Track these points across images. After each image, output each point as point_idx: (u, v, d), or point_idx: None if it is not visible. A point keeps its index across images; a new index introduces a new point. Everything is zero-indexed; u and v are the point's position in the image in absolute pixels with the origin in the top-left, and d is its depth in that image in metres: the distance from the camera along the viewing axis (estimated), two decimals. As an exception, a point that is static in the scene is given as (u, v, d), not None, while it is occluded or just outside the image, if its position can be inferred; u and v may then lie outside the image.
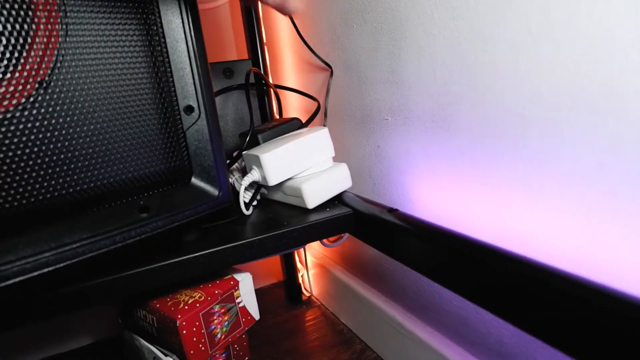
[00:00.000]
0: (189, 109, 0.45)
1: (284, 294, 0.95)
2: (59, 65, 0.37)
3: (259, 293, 0.96)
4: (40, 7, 0.36)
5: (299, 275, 0.92)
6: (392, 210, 0.45)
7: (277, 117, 0.85)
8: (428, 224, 0.42)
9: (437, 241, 0.39)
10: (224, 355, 0.57)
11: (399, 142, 0.55)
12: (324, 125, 0.68)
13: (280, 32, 0.83)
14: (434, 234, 0.40)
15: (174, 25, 0.44)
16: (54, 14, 0.37)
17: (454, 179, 0.47)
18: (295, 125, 0.61)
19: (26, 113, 0.34)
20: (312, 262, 0.91)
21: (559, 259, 0.37)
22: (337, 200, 0.55)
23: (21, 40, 0.34)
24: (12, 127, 0.34)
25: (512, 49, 0.37)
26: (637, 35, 0.28)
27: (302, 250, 0.91)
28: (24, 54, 0.35)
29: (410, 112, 0.51)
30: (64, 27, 0.37)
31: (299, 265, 0.93)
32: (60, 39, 0.37)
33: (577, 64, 0.32)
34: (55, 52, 0.37)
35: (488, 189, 0.43)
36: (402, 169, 0.55)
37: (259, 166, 0.52)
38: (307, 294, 0.93)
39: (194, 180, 0.46)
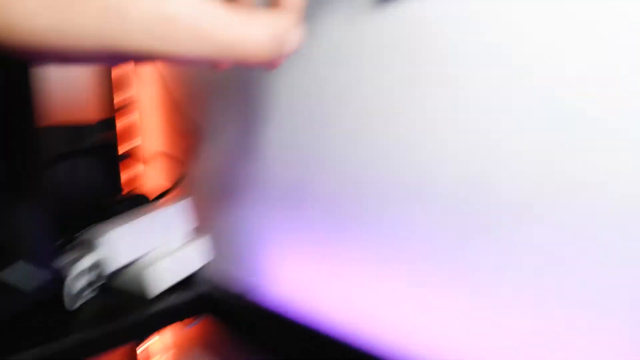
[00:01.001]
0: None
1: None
2: None
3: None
4: None
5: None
6: (241, 297, 0.44)
7: (129, 188, 0.79)
8: (272, 313, 0.41)
9: (280, 332, 0.38)
10: None
11: (259, 215, 0.54)
12: (185, 196, 0.65)
13: (143, 90, 0.78)
14: (279, 325, 0.39)
15: None
16: None
17: (307, 258, 0.47)
18: (142, 200, 0.57)
19: None
20: (165, 344, 0.82)
21: (400, 339, 0.38)
22: (190, 278, 0.50)
23: None
24: None
25: (349, 139, 0.39)
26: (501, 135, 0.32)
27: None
28: None
29: (268, 186, 0.51)
30: None
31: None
32: None
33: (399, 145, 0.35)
34: None
35: (337, 267, 0.43)
36: (260, 242, 0.54)
37: (97, 247, 0.46)
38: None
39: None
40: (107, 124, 0.74)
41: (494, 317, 0.32)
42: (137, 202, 0.55)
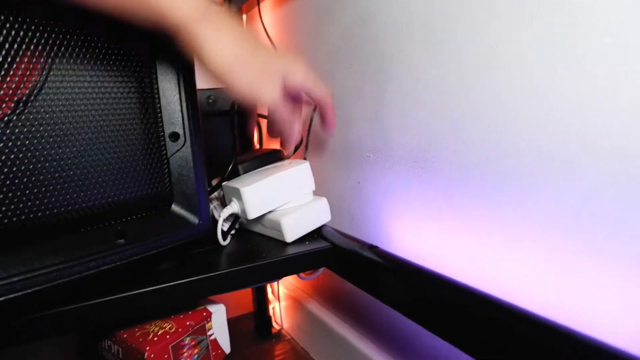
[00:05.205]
0: (174, 136, 0.45)
1: (253, 326, 0.93)
2: (39, 85, 0.36)
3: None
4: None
5: (270, 307, 0.90)
6: (373, 247, 0.46)
7: (257, 146, 0.85)
8: (407, 263, 0.42)
9: (416, 280, 0.40)
10: (190, 390, 0.55)
11: (379, 180, 0.56)
12: (305, 159, 0.69)
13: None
14: (413, 273, 0.41)
15: (164, 54, 0.44)
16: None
17: (433, 220, 0.48)
18: (276, 157, 0.62)
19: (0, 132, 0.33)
20: (284, 293, 0.89)
21: (534, 304, 0.38)
22: (316, 234, 0.55)
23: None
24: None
25: (493, 100, 0.39)
26: (611, 98, 0.30)
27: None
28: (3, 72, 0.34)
29: (392, 152, 0.53)
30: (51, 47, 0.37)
31: (270, 296, 0.91)
32: (45, 59, 0.36)
33: (556, 120, 0.34)
34: (40, 71, 0.36)
35: (466, 232, 0.44)
36: (381, 206, 0.56)
37: (239, 199, 0.51)
38: (278, 327, 0.91)
39: (174, 207, 0.46)
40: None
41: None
42: (274, 157, 0.60)
